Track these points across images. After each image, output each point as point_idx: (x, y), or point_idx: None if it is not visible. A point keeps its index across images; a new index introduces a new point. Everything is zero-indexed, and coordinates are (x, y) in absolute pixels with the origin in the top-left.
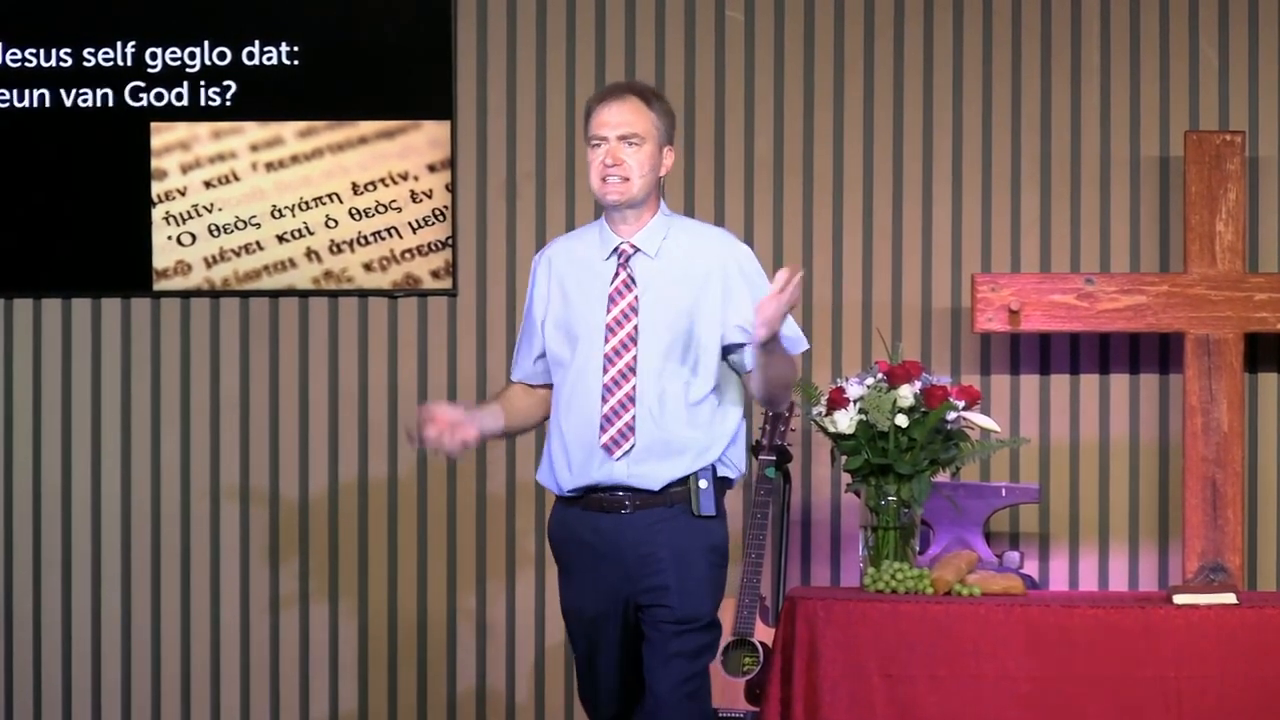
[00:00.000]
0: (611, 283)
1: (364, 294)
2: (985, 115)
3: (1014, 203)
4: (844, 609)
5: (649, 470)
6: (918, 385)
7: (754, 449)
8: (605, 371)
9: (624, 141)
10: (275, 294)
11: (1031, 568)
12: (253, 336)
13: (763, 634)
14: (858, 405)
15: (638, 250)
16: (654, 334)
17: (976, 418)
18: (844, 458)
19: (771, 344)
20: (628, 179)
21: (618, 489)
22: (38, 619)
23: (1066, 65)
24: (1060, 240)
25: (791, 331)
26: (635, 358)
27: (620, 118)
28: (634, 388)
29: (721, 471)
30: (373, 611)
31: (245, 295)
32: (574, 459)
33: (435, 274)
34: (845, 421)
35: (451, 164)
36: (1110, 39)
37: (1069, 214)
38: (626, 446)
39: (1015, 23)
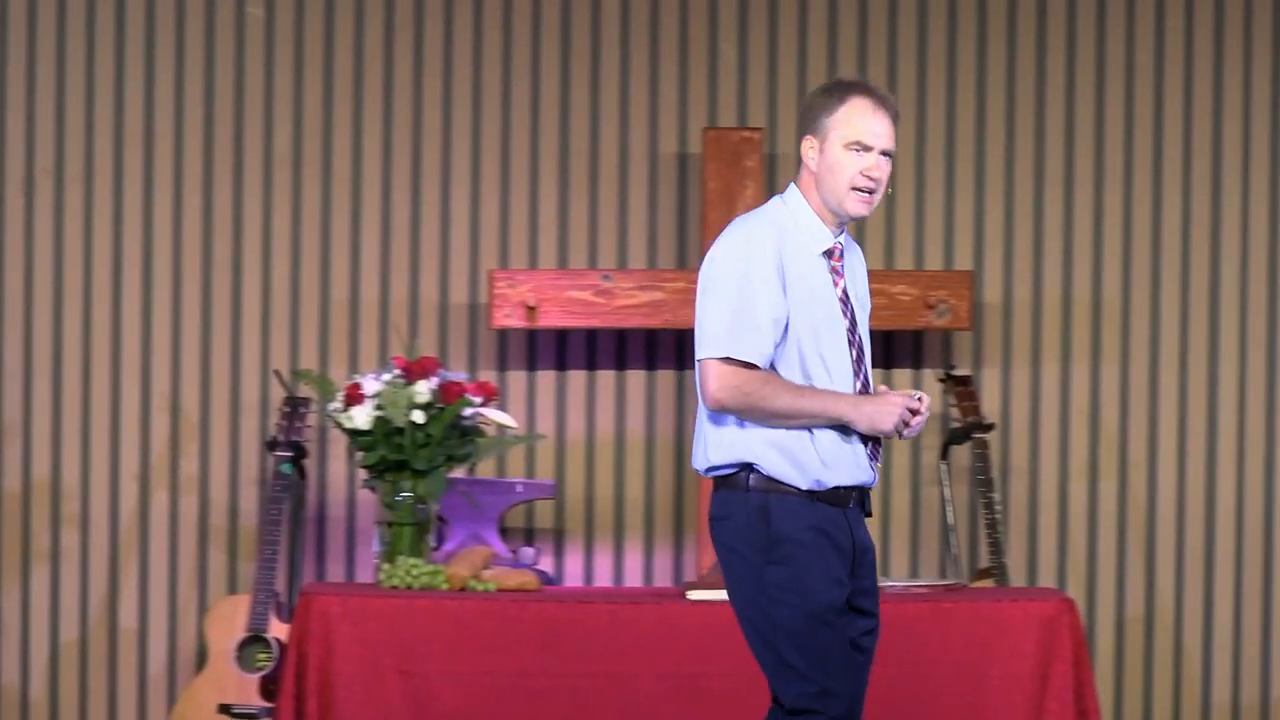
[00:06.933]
0: (837, 285)
1: None
2: (504, 111)
3: (532, 197)
4: (359, 604)
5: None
6: (434, 381)
7: (270, 444)
8: (856, 375)
9: (884, 156)
10: None
11: (547, 564)
12: None
13: (278, 630)
14: (375, 401)
15: (840, 253)
16: (866, 339)
17: (493, 414)
18: (360, 454)
19: None
20: (876, 193)
21: (859, 488)
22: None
23: (586, 61)
24: (578, 236)
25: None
26: (867, 363)
27: (889, 130)
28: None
29: None
30: None
31: None
32: (835, 458)
33: None
34: (362, 417)
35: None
36: (629, 36)
37: (587, 209)
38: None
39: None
